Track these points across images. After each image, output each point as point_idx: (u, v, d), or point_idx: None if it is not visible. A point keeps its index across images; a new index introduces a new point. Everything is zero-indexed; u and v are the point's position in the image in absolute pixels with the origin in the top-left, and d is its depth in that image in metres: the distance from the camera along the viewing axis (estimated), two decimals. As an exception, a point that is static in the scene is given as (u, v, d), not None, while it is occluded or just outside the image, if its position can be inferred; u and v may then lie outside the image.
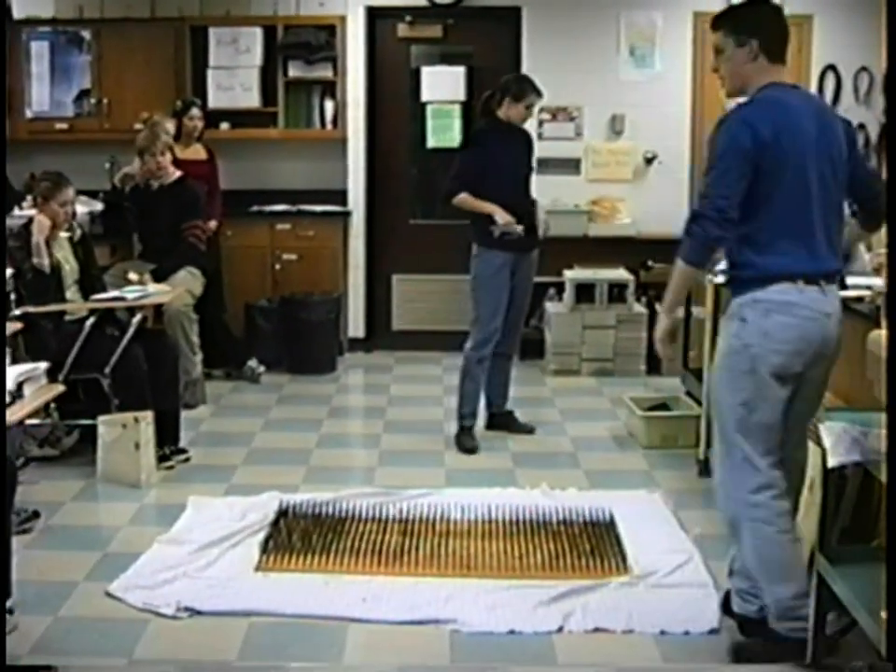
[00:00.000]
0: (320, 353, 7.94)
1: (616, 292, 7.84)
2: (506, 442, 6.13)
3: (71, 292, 5.80)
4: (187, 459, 5.73)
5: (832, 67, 7.97)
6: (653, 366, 7.84)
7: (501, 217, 5.85)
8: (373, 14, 8.37)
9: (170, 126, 7.11)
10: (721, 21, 3.56)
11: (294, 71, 8.25)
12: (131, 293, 5.85)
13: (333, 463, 5.83)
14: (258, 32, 8.17)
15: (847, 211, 3.63)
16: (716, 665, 3.60)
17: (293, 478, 5.45)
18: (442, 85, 8.44)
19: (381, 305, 8.71)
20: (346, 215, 8.40)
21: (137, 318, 5.69)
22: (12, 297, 5.44)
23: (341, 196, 8.43)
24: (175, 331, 6.58)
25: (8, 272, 5.42)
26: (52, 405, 5.45)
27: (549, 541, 4.58)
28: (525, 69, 8.18)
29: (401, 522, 4.79)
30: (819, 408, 3.54)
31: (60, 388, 4.70)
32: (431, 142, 8.55)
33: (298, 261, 8.17)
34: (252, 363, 7.61)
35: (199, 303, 6.87)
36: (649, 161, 8.34)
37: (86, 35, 8.22)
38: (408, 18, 8.41)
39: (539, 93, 5.99)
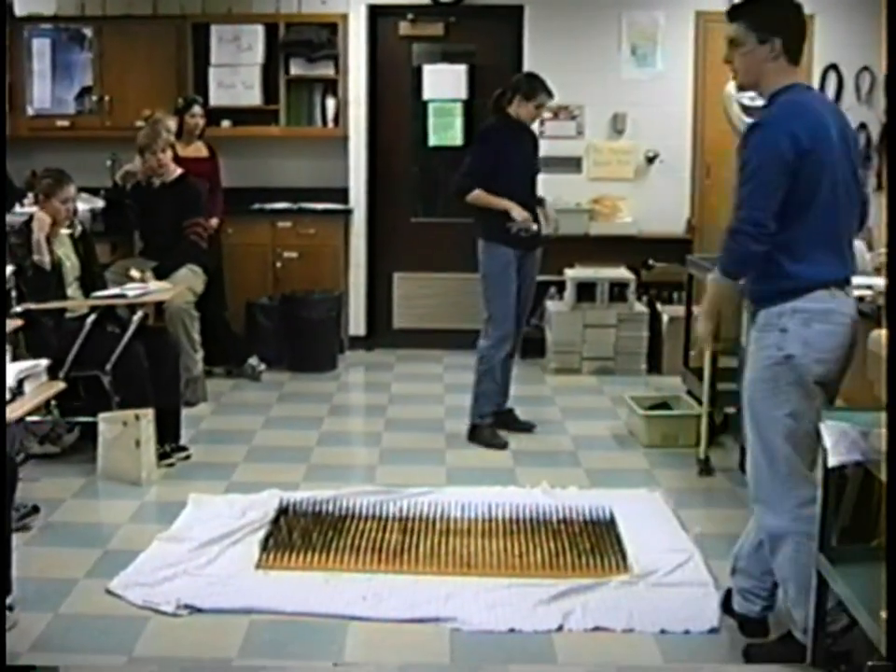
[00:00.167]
0: (321, 351, 7.94)
1: (617, 291, 7.83)
2: (506, 440, 6.13)
3: (72, 289, 5.80)
4: (187, 457, 5.74)
5: (833, 67, 7.97)
6: (654, 365, 7.85)
7: (518, 213, 5.86)
8: (375, 12, 8.37)
9: (171, 124, 7.11)
10: (741, 12, 3.46)
11: (296, 69, 8.25)
12: (132, 290, 5.86)
13: (334, 461, 5.83)
14: (259, 29, 8.17)
15: None
16: (716, 665, 3.60)
17: (294, 476, 5.45)
18: (444, 83, 8.44)
19: (382, 303, 8.71)
20: (347, 213, 8.40)
21: (138, 316, 5.69)
22: (13, 294, 5.44)
23: (342, 194, 8.43)
24: (175, 329, 6.58)
25: (10, 269, 5.43)
26: (53, 402, 5.46)
27: (549, 540, 4.58)
28: (526, 68, 8.17)
29: (402, 520, 4.79)
30: None
31: (60, 385, 4.70)
32: (433, 140, 8.55)
33: (299, 259, 8.17)
34: (253, 361, 7.61)
35: (200, 301, 6.87)
36: (650, 160, 8.34)
37: (88, 32, 8.22)
38: (410, 16, 8.41)
39: (549, 93, 6.01)
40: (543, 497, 5.12)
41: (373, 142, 8.54)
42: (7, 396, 4.04)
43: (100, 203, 7.78)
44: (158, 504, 5.14)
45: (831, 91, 7.96)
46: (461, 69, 8.43)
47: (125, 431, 5.31)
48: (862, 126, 7.67)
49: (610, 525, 4.76)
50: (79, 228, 5.95)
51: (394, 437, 6.26)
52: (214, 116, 7.98)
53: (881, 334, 3.35)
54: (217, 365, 7.55)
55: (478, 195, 5.93)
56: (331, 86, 8.33)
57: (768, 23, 3.39)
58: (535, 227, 5.95)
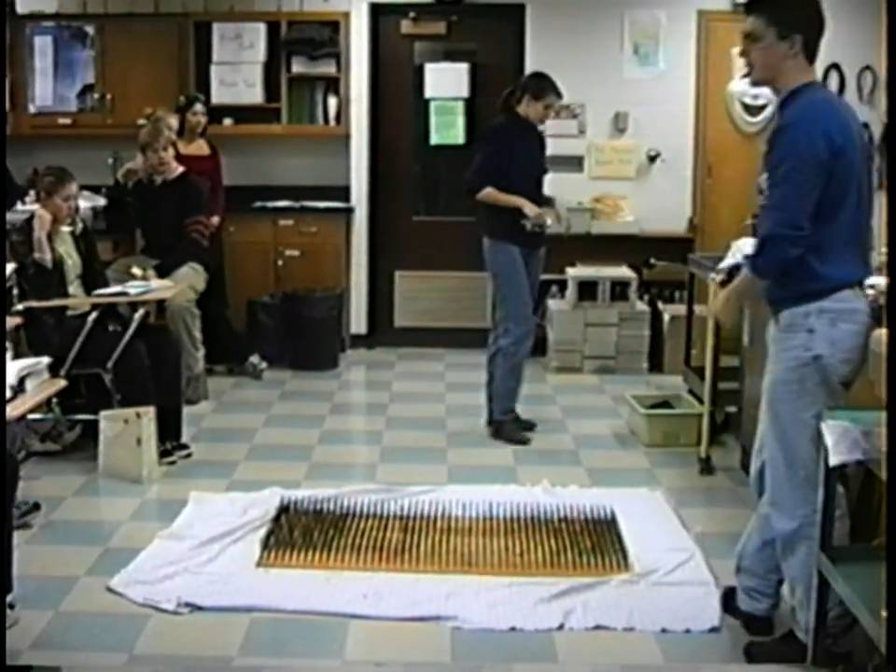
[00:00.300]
0: (322, 349, 7.94)
1: (618, 290, 7.83)
2: (507, 440, 6.14)
3: (73, 287, 5.80)
4: (188, 455, 5.74)
5: (835, 66, 7.96)
6: (655, 364, 7.85)
7: (531, 209, 5.87)
8: (377, 10, 8.37)
9: (173, 122, 7.10)
10: (761, 6, 3.38)
11: (297, 67, 8.25)
12: (133, 288, 5.86)
13: (335, 459, 5.83)
14: (261, 27, 8.17)
15: None
16: (717, 664, 3.60)
17: (295, 474, 5.45)
18: (446, 82, 8.44)
19: (383, 302, 8.71)
20: (349, 211, 8.40)
21: (139, 314, 5.69)
22: (15, 291, 5.45)
23: (343, 192, 8.43)
24: (177, 327, 6.58)
25: (11, 266, 5.43)
26: (54, 400, 5.46)
27: (550, 539, 4.58)
28: (528, 66, 8.19)
29: (403, 518, 4.79)
30: None
31: (62, 383, 4.70)
32: (434, 139, 8.55)
33: (300, 257, 8.17)
34: (254, 359, 7.62)
35: (201, 299, 6.87)
36: (652, 158, 8.34)
37: (89, 30, 8.23)
38: (411, 14, 8.41)
39: (558, 94, 6.03)
40: (544, 496, 5.12)
41: (375, 140, 8.54)
42: (9, 393, 4.04)
43: (101, 201, 7.78)
44: (159, 502, 5.15)
45: (833, 90, 7.95)
46: (463, 68, 8.43)
47: (126, 429, 5.31)
48: (864, 126, 7.63)
49: (611, 523, 4.76)
50: (81, 225, 5.95)
51: (395, 435, 6.26)
52: (215, 114, 7.99)
53: (881, 333, 3.34)
54: (218, 363, 7.56)
55: (489, 193, 5.93)
56: (333, 84, 8.33)
57: (790, 19, 3.34)
58: (549, 221, 5.97)
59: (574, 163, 8.31)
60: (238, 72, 8.19)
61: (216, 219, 7.43)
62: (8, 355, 4.44)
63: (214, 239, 7.26)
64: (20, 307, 5.37)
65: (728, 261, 5.49)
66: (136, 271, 6.23)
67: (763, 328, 4.54)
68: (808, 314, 3.33)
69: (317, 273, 8.16)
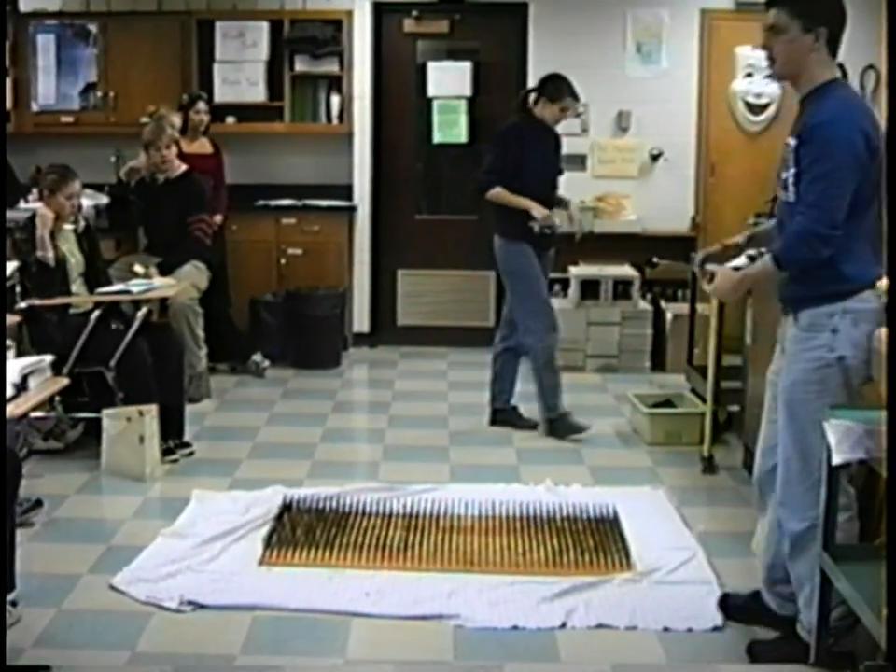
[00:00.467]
0: (325, 348, 7.94)
1: (621, 289, 7.83)
2: (510, 438, 6.14)
3: (76, 285, 5.80)
4: (191, 453, 5.74)
5: (838, 65, 7.93)
6: (658, 363, 7.85)
7: (539, 211, 5.87)
8: (380, 9, 8.37)
9: (176, 120, 7.11)
10: None
11: (300, 65, 8.25)
12: (136, 287, 5.86)
13: (337, 458, 5.83)
14: (264, 26, 8.16)
15: None
16: (718, 663, 3.60)
17: (297, 472, 5.45)
18: (448, 80, 8.44)
19: (386, 300, 8.71)
20: (352, 210, 8.40)
21: (142, 312, 5.69)
22: (17, 290, 5.45)
23: (346, 191, 8.43)
24: (179, 325, 6.58)
25: (14, 264, 5.44)
26: (57, 398, 5.46)
27: (552, 537, 4.57)
28: (531, 65, 8.20)
29: (405, 517, 4.79)
30: None
31: (64, 381, 4.70)
32: (437, 137, 8.55)
33: (303, 256, 8.17)
34: (257, 357, 7.62)
35: (204, 297, 6.87)
36: (654, 157, 8.34)
37: (92, 28, 8.22)
38: (414, 13, 8.41)
39: (575, 97, 6.04)
40: (547, 495, 5.12)
41: (378, 139, 8.54)
42: (12, 391, 4.05)
43: (104, 200, 7.78)
44: (161, 500, 5.15)
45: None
46: (466, 66, 8.42)
47: (129, 427, 5.31)
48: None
49: (614, 522, 4.76)
50: (83, 224, 5.95)
51: (397, 434, 6.26)
52: (218, 112, 7.98)
53: (882, 333, 3.33)
54: (220, 361, 7.56)
55: (498, 192, 5.93)
56: (336, 83, 8.33)
57: (814, 11, 3.29)
58: (558, 223, 5.98)
59: (577, 162, 8.30)
60: (241, 70, 8.18)
61: (218, 218, 7.43)
62: (11, 353, 4.45)
63: (216, 237, 7.26)
64: (22, 305, 5.37)
65: (731, 261, 5.49)
66: (139, 269, 6.23)
67: (765, 326, 4.55)
68: (832, 314, 3.31)
69: (320, 271, 8.16)
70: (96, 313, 5.58)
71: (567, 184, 7.98)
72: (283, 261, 8.18)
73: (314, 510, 4.85)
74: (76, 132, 8.21)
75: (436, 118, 8.51)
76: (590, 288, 7.82)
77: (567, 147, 8.15)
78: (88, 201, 7.09)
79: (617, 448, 6.02)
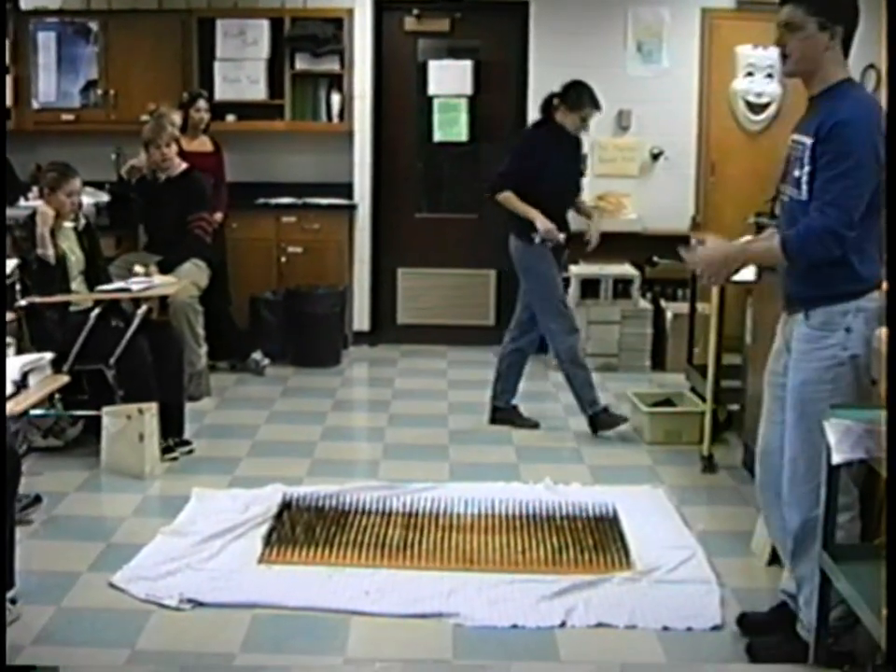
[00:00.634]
0: (325, 346, 7.94)
1: (621, 288, 7.84)
2: (510, 437, 6.14)
3: (76, 283, 5.80)
4: (191, 451, 5.74)
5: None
6: (658, 362, 7.85)
7: (542, 224, 5.89)
8: (380, 7, 8.37)
9: (176, 118, 7.11)
10: None
11: (301, 64, 8.24)
12: (136, 284, 5.87)
13: (337, 456, 5.83)
14: (265, 24, 8.16)
15: None
16: (718, 662, 3.60)
17: (297, 470, 5.45)
18: (449, 79, 8.44)
19: (386, 299, 8.71)
20: (352, 208, 8.40)
21: (142, 310, 5.69)
22: (18, 287, 5.45)
23: (346, 189, 8.43)
24: (179, 323, 6.58)
25: (14, 262, 5.43)
26: (57, 396, 5.45)
27: (552, 536, 4.57)
28: (531, 64, 8.20)
29: (405, 515, 4.79)
30: None
31: (64, 379, 4.71)
32: (437, 136, 8.55)
33: (303, 254, 8.17)
34: (257, 355, 7.62)
35: (204, 295, 6.87)
36: (655, 156, 8.34)
37: (93, 26, 8.22)
38: (415, 11, 8.41)
39: (596, 106, 6.03)
40: (546, 494, 5.12)
41: (378, 137, 8.53)
42: (12, 389, 4.05)
43: (105, 197, 7.78)
44: (161, 498, 5.15)
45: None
46: (466, 65, 8.42)
47: (129, 425, 5.31)
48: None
49: (613, 521, 4.76)
50: (83, 221, 5.94)
51: (397, 432, 6.26)
52: (219, 110, 7.98)
53: (882, 332, 3.33)
54: (220, 359, 7.56)
55: (507, 197, 5.95)
56: (337, 81, 8.33)
57: (831, 9, 3.27)
58: (560, 237, 5.98)
59: (577, 161, 8.30)
60: (241, 68, 8.18)
61: (218, 216, 7.42)
62: (11, 350, 4.45)
63: (217, 235, 7.26)
64: (22, 303, 5.38)
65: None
66: (139, 269, 6.22)
67: (765, 326, 4.54)
68: (846, 312, 3.30)
69: (320, 269, 8.16)
70: (96, 310, 5.58)
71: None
72: (283, 259, 8.18)
73: (313, 508, 4.85)
74: (76, 129, 8.21)
75: (436, 116, 8.51)
76: (590, 287, 7.82)
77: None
78: (88, 198, 7.09)
79: (617, 447, 6.02)
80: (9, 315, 5.00)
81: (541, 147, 5.96)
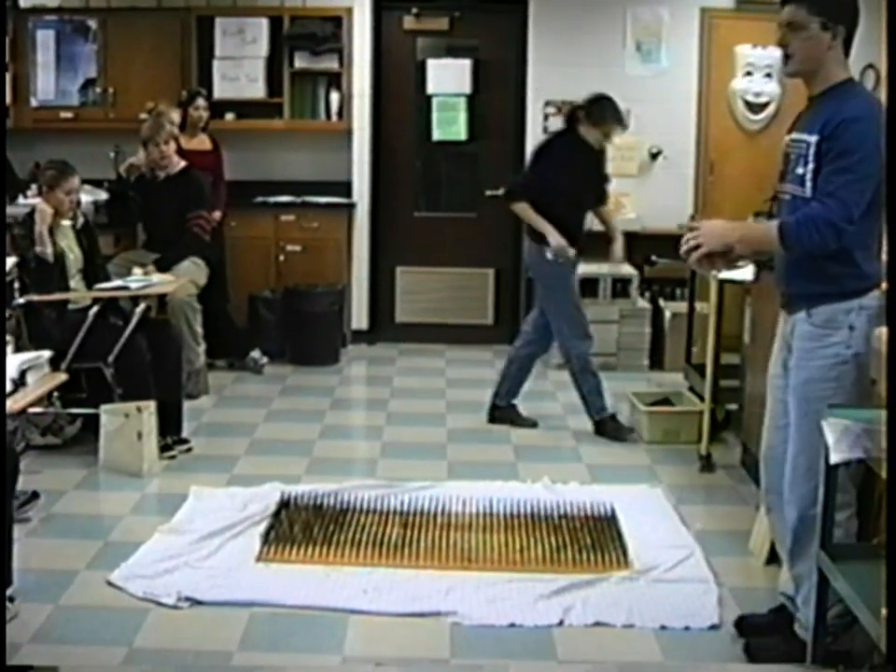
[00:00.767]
0: (323, 344, 7.94)
1: (620, 287, 7.83)
2: (508, 436, 6.14)
3: (75, 281, 5.79)
4: (189, 449, 5.74)
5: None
6: (656, 361, 7.85)
7: (554, 241, 5.89)
8: (379, 6, 8.37)
9: (175, 116, 7.10)
10: None
11: (300, 62, 8.24)
12: (134, 282, 5.86)
13: (335, 454, 5.83)
14: (264, 22, 8.15)
15: None
16: (716, 662, 3.60)
17: (295, 469, 5.45)
18: (448, 78, 8.43)
19: (384, 297, 8.71)
20: (351, 206, 8.40)
21: (141, 308, 5.69)
22: (16, 285, 5.45)
23: (345, 188, 8.42)
24: (178, 321, 6.58)
25: (13, 260, 5.43)
26: (55, 394, 5.46)
27: (550, 535, 4.58)
28: (530, 63, 8.20)
29: (403, 514, 4.79)
30: None
31: (63, 377, 4.71)
32: (436, 135, 8.55)
33: (302, 253, 8.16)
34: (255, 354, 7.61)
35: (202, 294, 6.86)
36: (654, 156, 8.33)
37: (92, 24, 8.21)
38: (414, 10, 8.41)
39: (619, 122, 6.01)
40: (544, 493, 5.12)
41: (377, 136, 8.53)
42: (10, 387, 4.04)
43: (103, 196, 7.77)
44: (159, 496, 5.15)
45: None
46: (465, 64, 8.42)
47: (127, 423, 5.31)
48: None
49: (611, 520, 4.76)
50: (82, 219, 5.94)
51: (395, 431, 6.26)
52: (218, 108, 7.97)
53: (882, 332, 3.33)
54: (219, 358, 7.55)
55: (523, 208, 5.97)
56: (335, 79, 8.32)
57: (833, 9, 3.28)
58: (571, 254, 5.97)
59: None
60: (240, 67, 8.17)
61: (217, 214, 7.42)
62: (10, 348, 4.45)
63: (215, 234, 7.25)
64: (21, 301, 5.37)
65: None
66: (137, 271, 6.21)
67: (764, 325, 4.55)
68: (850, 310, 3.30)
69: (319, 268, 8.16)
70: (94, 309, 5.57)
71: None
72: (281, 258, 8.17)
73: (311, 506, 4.85)
74: (75, 127, 8.21)
75: (435, 115, 8.51)
76: (589, 286, 7.79)
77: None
78: (87, 196, 7.09)
79: (615, 446, 6.01)
80: (7, 313, 4.99)
81: (560, 159, 5.94)
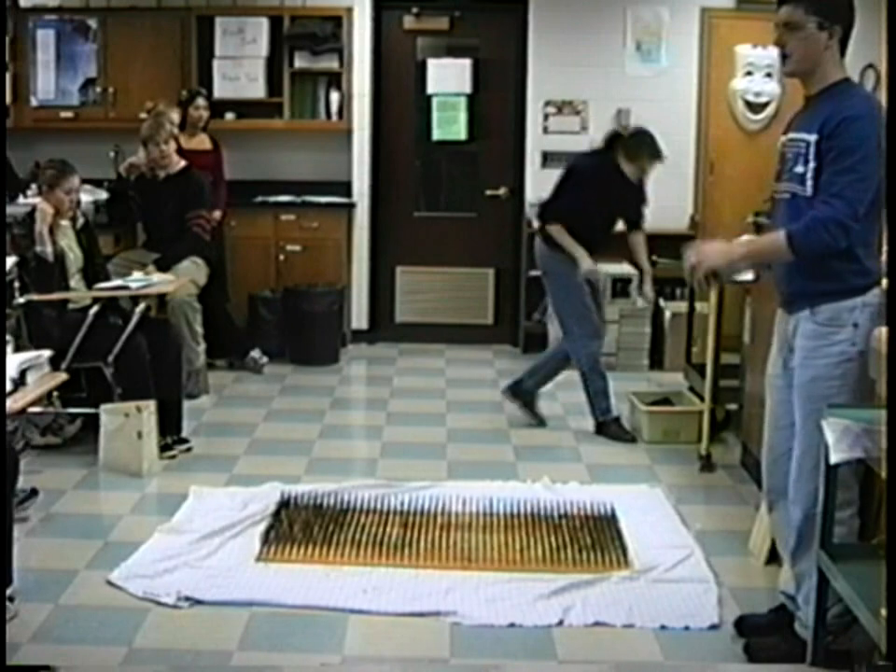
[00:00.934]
0: (323, 344, 7.94)
1: (619, 287, 7.83)
2: (508, 435, 6.14)
3: (75, 281, 5.79)
4: (189, 449, 5.74)
5: (839, 64, 7.94)
6: (656, 361, 7.85)
7: (586, 265, 5.93)
8: (379, 6, 8.37)
9: (175, 116, 7.11)
10: None
11: (300, 62, 8.24)
12: (134, 282, 5.86)
13: (335, 454, 5.83)
14: (264, 22, 8.15)
15: None
16: (715, 661, 3.60)
17: (295, 469, 5.45)
18: (448, 77, 8.44)
19: (384, 297, 8.71)
20: (351, 206, 8.40)
21: (141, 307, 5.69)
22: (16, 285, 5.44)
23: (345, 188, 8.43)
24: (178, 321, 6.58)
25: (13, 259, 5.43)
26: (55, 393, 5.46)
27: (550, 535, 4.57)
28: (531, 62, 8.20)
29: (402, 514, 4.79)
30: None
31: (63, 377, 4.70)
32: (436, 134, 8.55)
33: (302, 252, 8.17)
34: (255, 353, 7.61)
35: (202, 293, 6.87)
36: (654, 155, 8.32)
37: (92, 23, 8.21)
38: (414, 10, 8.41)
39: (656, 156, 6.01)
40: (544, 492, 5.12)
41: (377, 136, 8.53)
42: (10, 386, 4.04)
43: (103, 195, 7.76)
44: (159, 496, 5.15)
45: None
46: (465, 63, 8.42)
47: (127, 423, 5.31)
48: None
49: (611, 520, 4.76)
50: (82, 219, 5.94)
51: (395, 431, 6.26)
52: (218, 108, 7.97)
53: (882, 332, 3.33)
54: (219, 357, 7.55)
55: (559, 230, 5.98)
56: (335, 79, 8.32)
57: (830, 9, 3.30)
58: (602, 275, 6.10)
59: (576, 160, 8.30)
60: (240, 66, 8.17)
61: (217, 214, 7.43)
62: (9, 348, 4.44)
63: (215, 233, 7.26)
64: (21, 300, 5.37)
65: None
66: (137, 274, 6.20)
67: (764, 325, 4.54)
68: (854, 308, 3.30)
69: (318, 268, 8.16)
70: (94, 308, 5.57)
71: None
72: (281, 258, 8.17)
73: (311, 506, 4.85)
74: (75, 127, 8.21)
75: (435, 115, 8.51)
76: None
77: (567, 144, 8.21)
78: (87, 196, 7.08)
79: (615, 446, 6.01)
80: (7, 313, 4.99)
81: (595, 187, 5.94)
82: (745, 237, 3.86)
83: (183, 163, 6.85)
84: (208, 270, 6.94)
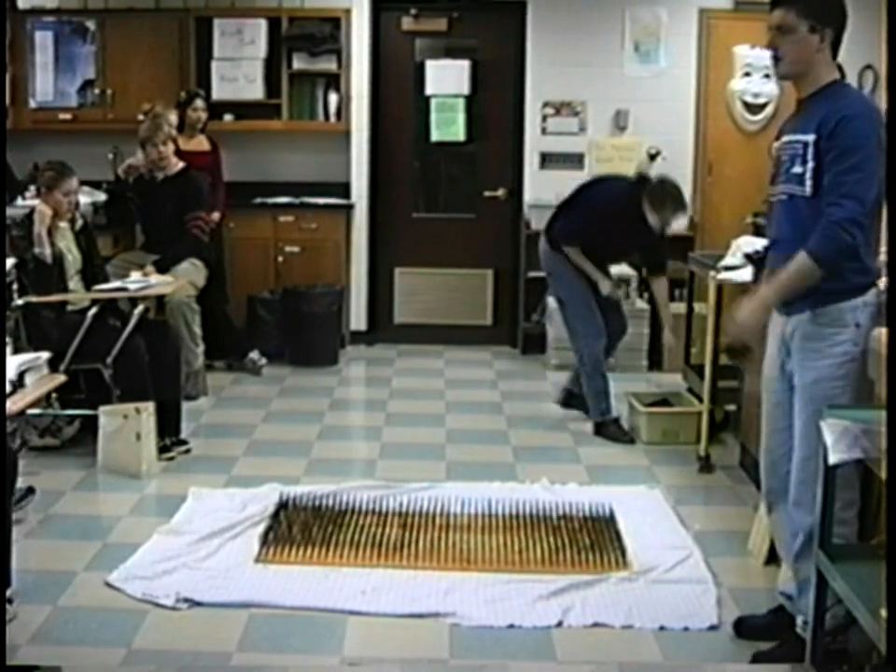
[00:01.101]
0: (322, 345, 7.94)
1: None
2: (507, 436, 6.14)
3: (73, 282, 5.79)
4: (187, 450, 5.74)
5: (837, 66, 7.93)
6: (655, 361, 7.85)
7: (605, 288, 6.07)
8: (378, 7, 8.37)
9: (173, 117, 7.10)
10: None
11: (298, 63, 8.24)
12: (133, 284, 5.86)
13: (334, 455, 5.83)
14: (262, 23, 8.15)
15: None
16: (715, 661, 3.60)
17: (294, 470, 5.45)
18: (447, 78, 8.44)
19: (383, 298, 8.71)
20: (349, 207, 8.40)
21: (139, 309, 5.69)
22: (15, 286, 5.44)
23: (344, 189, 8.43)
24: (177, 322, 6.58)
25: (11, 261, 5.43)
26: (54, 395, 5.45)
27: (549, 536, 4.57)
28: (529, 63, 8.20)
29: (401, 515, 4.79)
30: None
31: (61, 378, 4.70)
32: (435, 136, 8.55)
33: (300, 254, 8.17)
34: (254, 355, 7.61)
35: (201, 295, 6.86)
36: (652, 156, 8.32)
37: (90, 25, 8.21)
38: (413, 11, 8.41)
39: (679, 208, 5.98)
40: (543, 493, 5.12)
41: (375, 137, 8.53)
42: (8, 388, 4.04)
43: (102, 197, 7.77)
44: (158, 497, 5.14)
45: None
46: (464, 64, 8.42)
47: (125, 424, 5.31)
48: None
49: (610, 521, 4.76)
50: (80, 221, 5.94)
51: (394, 432, 6.26)
52: (216, 110, 7.97)
53: (881, 332, 3.33)
54: (217, 359, 7.55)
55: (576, 253, 6.04)
56: (334, 80, 8.32)
57: (821, 12, 3.31)
58: (620, 293, 6.26)
59: (574, 161, 8.31)
60: (239, 68, 8.17)
61: (216, 215, 7.43)
62: (8, 349, 4.44)
63: (214, 235, 7.26)
64: (19, 302, 5.37)
65: (728, 260, 5.50)
66: (136, 275, 6.21)
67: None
68: (856, 307, 3.31)
69: (317, 269, 8.16)
70: (93, 310, 5.58)
71: (565, 182, 8.00)
72: (280, 259, 8.18)
73: (310, 507, 4.85)
74: (73, 128, 8.20)
75: (434, 116, 8.51)
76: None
77: (565, 145, 8.24)
78: (85, 198, 7.09)
79: (614, 447, 6.02)
80: (6, 314, 4.98)
81: (616, 225, 5.95)
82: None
83: (181, 165, 6.85)
84: (207, 271, 6.94)
